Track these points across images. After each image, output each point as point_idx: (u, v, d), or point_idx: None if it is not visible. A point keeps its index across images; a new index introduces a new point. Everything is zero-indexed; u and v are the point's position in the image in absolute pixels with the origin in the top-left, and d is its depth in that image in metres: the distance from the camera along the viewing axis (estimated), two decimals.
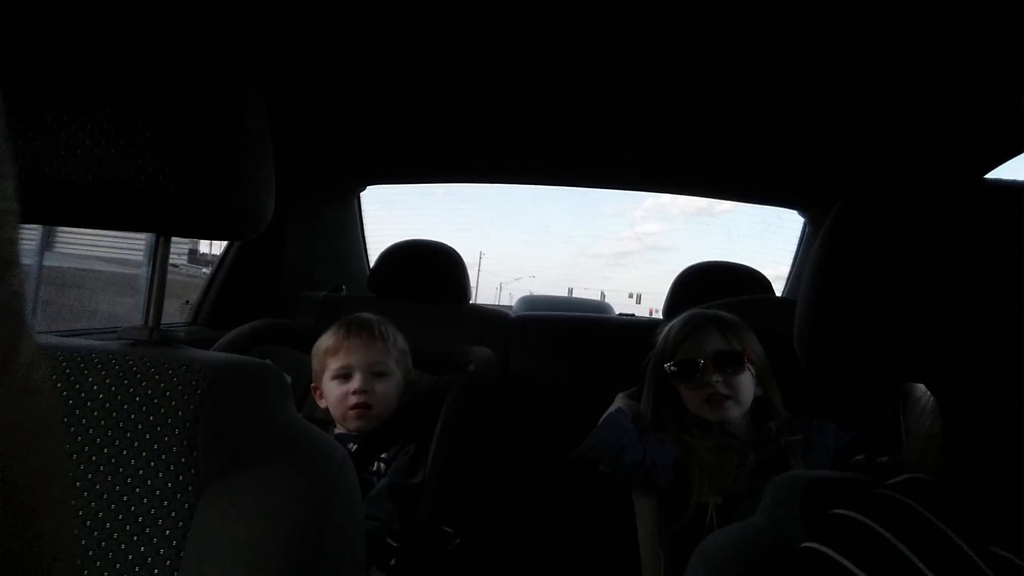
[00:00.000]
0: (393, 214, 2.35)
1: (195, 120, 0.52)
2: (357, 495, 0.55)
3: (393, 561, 0.98)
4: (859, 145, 1.43)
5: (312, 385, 1.25)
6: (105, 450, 0.47)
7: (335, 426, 1.21)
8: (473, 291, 1.80)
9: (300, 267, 1.89)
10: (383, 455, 1.15)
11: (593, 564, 1.44)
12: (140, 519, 0.45)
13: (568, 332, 1.71)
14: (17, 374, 0.18)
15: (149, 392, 0.49)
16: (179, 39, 0.53)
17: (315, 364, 1.24)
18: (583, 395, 1.48)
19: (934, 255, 0.50)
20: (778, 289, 1.86)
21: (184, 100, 0.52)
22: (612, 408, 1.24)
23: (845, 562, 0.41)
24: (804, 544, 0.46)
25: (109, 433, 0.48)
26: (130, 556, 0.45)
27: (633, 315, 2.21)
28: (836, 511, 0.46)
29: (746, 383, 1.17)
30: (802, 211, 1.96)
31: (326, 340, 1.22)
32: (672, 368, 1.21)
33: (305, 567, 0.46)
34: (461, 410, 1.22)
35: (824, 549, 0.43)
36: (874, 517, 0.43)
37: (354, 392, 1.15)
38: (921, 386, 0.96)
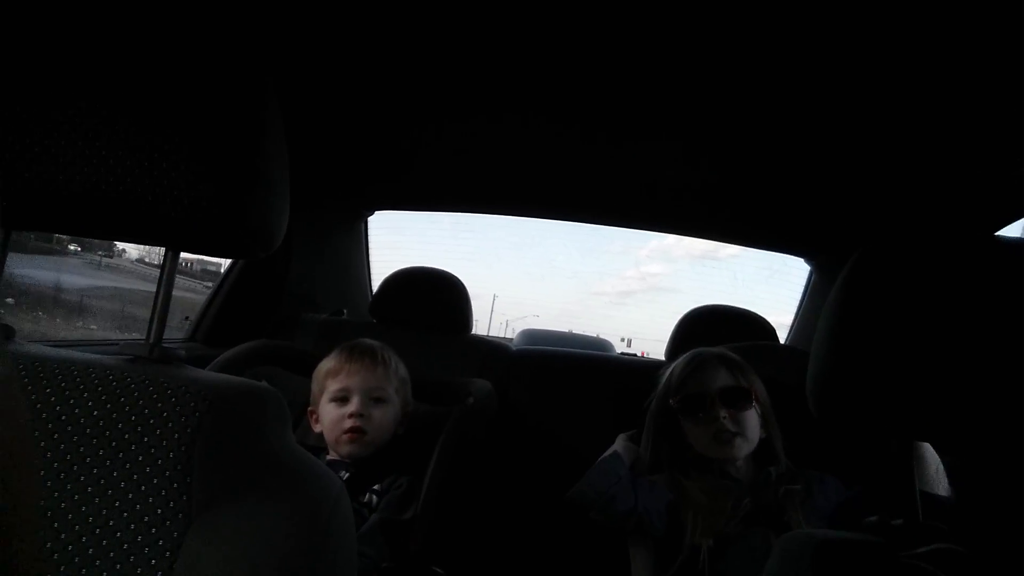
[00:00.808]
0: (404, 239, 2.35)
1: (213, 135, 0.51)
2: (352, 528, 0.53)
3: None
4: (869, 196, 1.44)
5: (309, 408, 1.23)
6: (94, 470, 0.45)
7: (327, 452, 1.18)
8: (487, 329, 1.79)
9: (302, 289, 1.88)
10: (375, 487, 1.12)
11: None
12: (125, 546, 0.43)
13: (569, 369, 1.69)
14: None
15: (145, 411, 0.47)
16: (199, 52, 0.53)
17: (314, 386, 1.22)
18: (581, 433, 1.45)
19: (950, 311, 0.49)
20: (781, 337, 1.85)
21: (202, 114, 0.51)
22: (609, 451, 1.22)
23: None
24: None
25: (100, 453, 0.46)
26: None
27: (635, 355, 2.19)
28: None
29: (753, 421, 1.15)
30: (809, 259, 1.96)
31: (327, 363, 1.21)
32: (678, 403, 1.19)
33: None
34: (457, 444, 1.19)
35: None
36: None
37: (350, 415, 1.13)
38: (927, 446, 0.94)
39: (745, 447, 1.13)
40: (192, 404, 0.48)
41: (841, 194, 1.47)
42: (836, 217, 1.61)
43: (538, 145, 1.46)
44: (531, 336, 4.15)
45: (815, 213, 1.62)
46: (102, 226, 0.55)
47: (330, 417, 1.16)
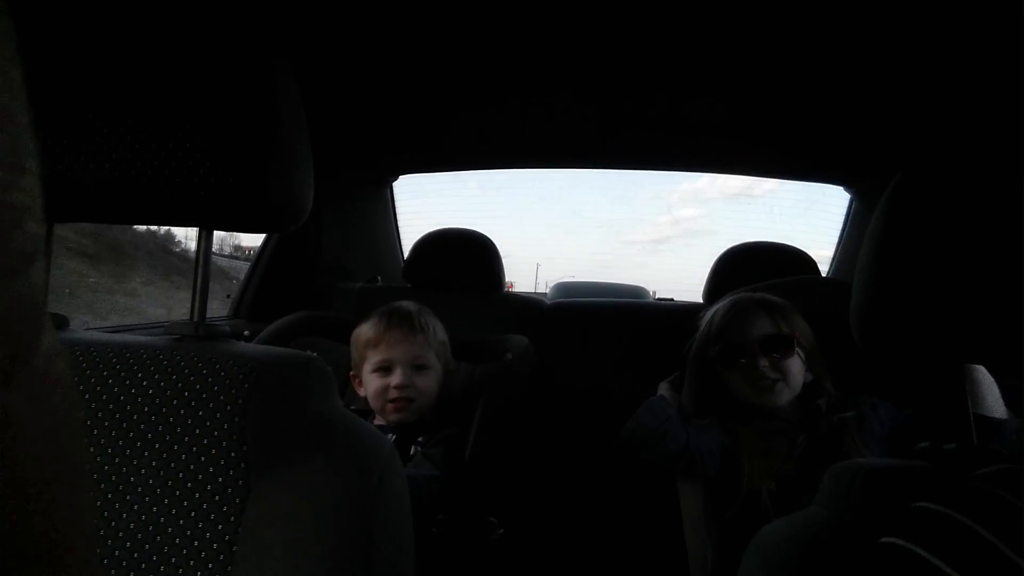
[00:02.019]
0: (430, 202, 2.35)
1: (231, 113, 0.51)
2: (404, 487, 0.55)
3: (439, 551, 0.98)
4: (909, 116, 1.36)
5: (351, 373, 1.25)
6: (156, 445, 0.48)
7: (374, 417, 1.21)
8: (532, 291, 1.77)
9: (335, 259, 1.91)
10: (419, 439, 1.14)
11: (636, 553, 1.43)
12: (192, 514, 0.46)
13: (605, 318, 1.68)
14: (38, 367, 0.18)
15: (197, 387, 0.49)
16: (211, 31, 0.53)
17: (354, 352, 1.23)
18: (621, 382, 1.46)
19: (998, 229, 0.47)
20: (823, 271, 1.80)
21: (219, 93, 0.52)
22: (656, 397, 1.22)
23: (937, 562, 0.38)
24: (885, 539, 0.42)
25: (160, 428, 0.48)
26: (184, 551, 0.45)
27: (672, 299, 2.17)
28: (920, 504, 0.43)
29: (795, 367, 1.12)
30: (848, 187, 1.89)
31: (366, 331, 1.21)
32: (717, 352, 1.17)
33: (357, 559, 0.45)
34: (499, 400, 1.21)
35: (910, 546, 0.40)
36: (967, 512, 0.40)
37: (395, 387, 1.15)
38: (981, 368, 0.91)
39: (787, 393, 1.11)
40: (240, 377, 0.50)
41: (879, 115, 1.39)
42: (875, 140, 1.53)
43: (563, 93, 1.42)
44: (565, 289, 4.13)
45: (853, 137, 1.55)
46: (136, 212, 0.56)
47: (374, 387, 1.17)
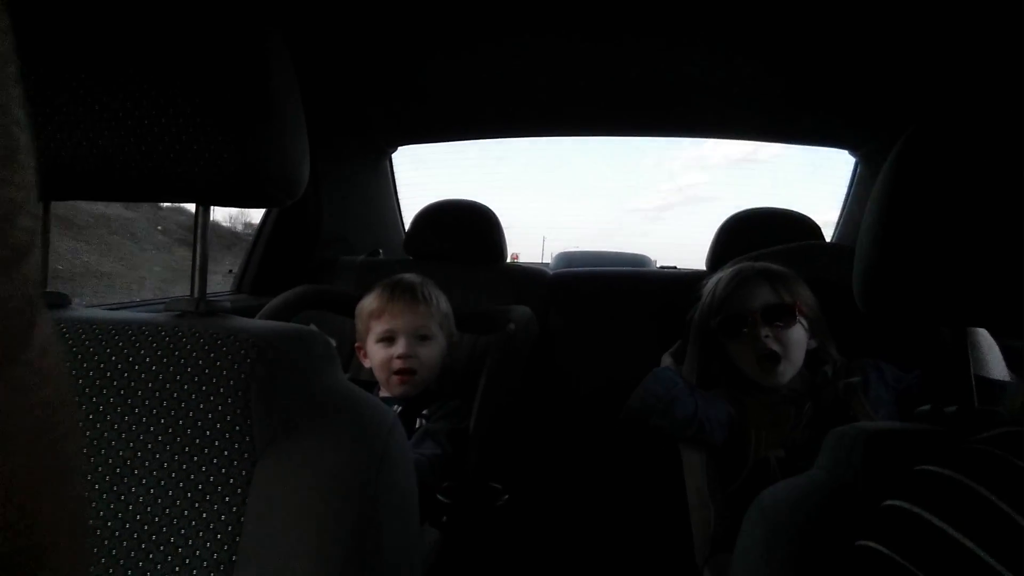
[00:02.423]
0: (432, 173, 2.32)
1: (224, 87, 0.51)
2: (408, 457, 0.55)
3: (444, 518, 1.00)
4: (914, 79, 1.33)
5: (356, 344, 1.26)
6: (161, 421, 0.48)
7: (379, 389, 1.23)
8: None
9: (336, 232, 1.90)
10: (424, 411, 1.16)
11: (640, 519, 1.45)
12: (200, 487, 0.46)
13: (608, 288, 1.68)
14: (29, 362, 0.18)
15: (199, 363, 0.50)
16: (201, 4, 0.52)
17: (359, 324, 1.25)
18: (624, 350, 1.46)
19: (1003, 192, 0.46)
20: (828, 235, 1.78)
21: (211, 67, 0.51)
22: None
23: (943, 525, 0.38)
24: (888, 503, 0.42)
25: (164, 404, 0.49)
26: (193, 523, 0.46)
27: (675, 267, 2.16)
28: (923, 467, 0.43)
29: (797, 337, 1.11)
30: (853, 151, 1.86)
31: (370, 302, 1.22)
32: (718, 324, 1.17)
33: (362, 529, 0.46)
34: (503, 370, 1.22)
35: (915, 509, 0.40)
36: (972, 475, 0.39)
37: (398, 356, 1.16)
38: (983, 331, 0.91)
39: (790, 371, 1.10)
40: (242, 352, 0.50)
41: (884, 78, 1.36)
42: (880, 103, 1.50)
43: (564, 59, 1.39)
44: (567, 258, 4.11)
45: (858, 101, 1.51)
46: (132, 189, 0.56)
47: (379, 358, 1.18)
